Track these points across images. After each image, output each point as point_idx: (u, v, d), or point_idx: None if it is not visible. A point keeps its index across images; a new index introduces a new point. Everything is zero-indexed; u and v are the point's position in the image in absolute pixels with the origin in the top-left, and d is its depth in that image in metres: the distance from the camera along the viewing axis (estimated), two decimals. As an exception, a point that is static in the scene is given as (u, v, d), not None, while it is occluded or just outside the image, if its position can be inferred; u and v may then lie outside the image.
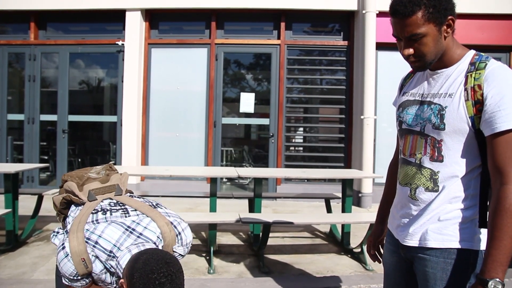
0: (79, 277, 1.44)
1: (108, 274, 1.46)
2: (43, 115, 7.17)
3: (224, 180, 7.61)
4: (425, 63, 1.39)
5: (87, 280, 1.47)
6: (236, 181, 7.61)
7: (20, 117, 7.19)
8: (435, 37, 1.34)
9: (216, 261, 3.89)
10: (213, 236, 3.99)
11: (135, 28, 6.81)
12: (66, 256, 1.42)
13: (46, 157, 7.46)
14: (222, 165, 7.16)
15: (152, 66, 7.01)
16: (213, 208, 4.26)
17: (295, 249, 4.38)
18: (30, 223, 4.54)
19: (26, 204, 5.09)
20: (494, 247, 1.23)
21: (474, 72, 1.34)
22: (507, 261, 1.23)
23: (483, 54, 1.39)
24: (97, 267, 1.43)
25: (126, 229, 1.47)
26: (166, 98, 7.03)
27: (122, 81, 6.88)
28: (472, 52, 1.41)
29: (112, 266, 1.42)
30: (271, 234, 3.97)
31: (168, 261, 1.28)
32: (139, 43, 6.84)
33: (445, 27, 1.35)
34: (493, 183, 1.30)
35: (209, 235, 4.03)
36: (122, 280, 1.33)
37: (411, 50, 1.37)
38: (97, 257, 1.43)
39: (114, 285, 1.49)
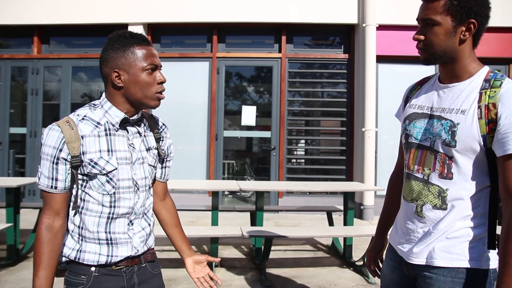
0: (61, 151, 1.37)
1: (100, 137, 1.42)
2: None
3: (226, 193, 7.60)
4: (431, 54, 1.36)
5: (65, 166, 1.39)
6: (238, 193, 7.59)
7: (22, 130, 7.22)
8: (448, 31, 1.31)
9: (218, 275, 3.86)
10: (215, 249, 3.97)
11: (137, 42, 6.86)
12: (50, 128, 1.40)
13: (48, 171, 7.45)
14: (224, 178, 7.16)
15: (154, 80, 7.04)
16: (215, 222, 4.25)
17: (297, 262, 4.35)
18: (32, 237, 4.52)
19: (27, 218, 5.08)
20: (506, 274, 1.19)
21: (489, 90, 1.29)
22: None
23: (497, 72, 1.35)
24: (85, 129, 1.41)
25: None
26: (168, 111, 7.04)
27: (124, 95, 6.91)
28: (486, 69, 1.37)
29: (101, 116, 1.45)
30: (273, 247, 3.95)
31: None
32: (141, 57, 6.88)
33: (463, 28, 1.31)
34: (504, 207, 1.24)
35: (211, 249, 4.01)
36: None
37: (421, 36, 1.36)
38: (83, 117, 1.43)
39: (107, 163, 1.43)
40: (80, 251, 1.44)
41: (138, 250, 1.51)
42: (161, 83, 1.48)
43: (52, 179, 1.40)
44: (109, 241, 1.46)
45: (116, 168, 1.43)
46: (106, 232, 1.45)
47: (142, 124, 1.55)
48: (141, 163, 1.52)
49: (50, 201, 1.41)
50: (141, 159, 1.52)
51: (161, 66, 1.49)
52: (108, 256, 1.45)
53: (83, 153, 1.40)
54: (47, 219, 1.41)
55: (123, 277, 1.49)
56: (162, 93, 1.48)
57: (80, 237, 1.45)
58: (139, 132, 1.52)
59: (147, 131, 1.58)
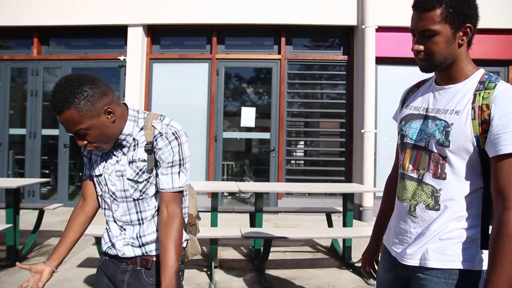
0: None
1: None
2: (45, 130, 7.20)
3: (225, 194, 7.60)
4: (433, 63, 1.36)
5: (86, 159, 1.65)
6: (237, 195, 7.59)
7: (22, 131, 7.22)
8: (448, 39, 1.32)
9: (217, 276, 3.87)
10: (214, 251, 3.97)
11: (137, 44, 6.88)
12: None
13: (47, 171, 7.46)
14: (223, 179, 7.17)
15: (154, 81, 7.07)
16: (214, 223, 4.25)
17: (296, 263, 4.36)
18: (31, 238, 4.53)
19: (27, 219, 5.08)
20: (495, 274, 1.20)
21: (483, 91, 1.30)
22: (509, 287, 1.20)
23: (492, 74, 1.37)
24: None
25: None
26: (168, 112, 6.99)
27: (124, 96, 6.92)
28: (481, 71, 1.38)
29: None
30: (272, 249, 3.95)
31: (71, 76, 1.40)
32: (141, 58, 6.91)
33: (461, 33, 1.33)
34: (495, 207, 1.26)
35: (210, 250, 4.02)
36: None
37: (421, 47, 1.36)
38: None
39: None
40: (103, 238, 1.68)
41: (124, 253, 1.58)
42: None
43: (84, 169, 1.68)
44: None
45: (101, 174, 1.58)
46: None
47: (120, 146, 1.55)
48: (120, 175, 1.54)
49: (82, 187, 1.69)
50: (119, 172, 1.54)
51: (77, 131, 1.40)
52: (107, 246, 1.64)
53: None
54: (79, 201, 1.70)
55: (118, 267, 1.61)
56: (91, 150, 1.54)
57: (106, 225, 1.68)
58: (114, 154, 1.56)
59: (137, 144, 1.53)
